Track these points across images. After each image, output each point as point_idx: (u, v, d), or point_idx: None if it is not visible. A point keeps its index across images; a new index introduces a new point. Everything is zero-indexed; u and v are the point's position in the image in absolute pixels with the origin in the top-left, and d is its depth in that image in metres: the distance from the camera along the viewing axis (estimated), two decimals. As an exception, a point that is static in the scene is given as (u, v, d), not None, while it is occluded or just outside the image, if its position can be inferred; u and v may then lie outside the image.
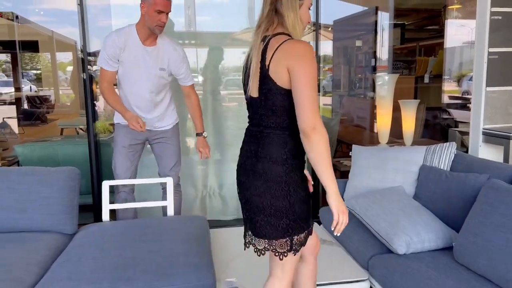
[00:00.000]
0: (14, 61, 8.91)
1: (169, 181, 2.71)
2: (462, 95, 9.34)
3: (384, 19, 6.12)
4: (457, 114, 5.29)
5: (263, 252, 1.61)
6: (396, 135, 4.03)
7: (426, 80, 5.21)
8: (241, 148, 1.67)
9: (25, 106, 8.33)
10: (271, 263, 1.69)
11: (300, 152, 1.56)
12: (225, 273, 2.24)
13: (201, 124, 2.85)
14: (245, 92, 1.66)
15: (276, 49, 1.47)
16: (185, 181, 3.56)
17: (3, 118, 7.15)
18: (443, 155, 2.76)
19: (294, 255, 1.60)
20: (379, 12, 5.63)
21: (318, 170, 1.45)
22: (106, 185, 2.63)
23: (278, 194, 1.51)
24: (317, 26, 3.69)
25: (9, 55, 10.12)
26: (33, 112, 7.66)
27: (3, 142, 6.10)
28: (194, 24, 3.62)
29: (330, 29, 6.20)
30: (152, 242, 2.21)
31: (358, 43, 6.32)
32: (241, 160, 1.65)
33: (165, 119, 2.82)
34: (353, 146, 3.10)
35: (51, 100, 9.08)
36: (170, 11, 2.55)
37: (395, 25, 6.24)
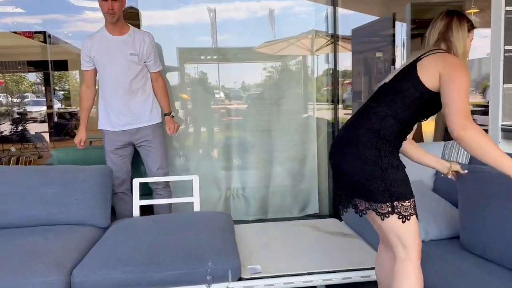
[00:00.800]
0: (46, 81, 9.33)
1: (195, 179, 2.85)
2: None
3: (402, 29, 6.21)
4: (480, 119, 5.27)
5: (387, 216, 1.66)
6: (417, 140, 4.07)
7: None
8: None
9: (55, 119, 8.70)
10: (391, 242, 1.74)
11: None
12: (249, 261, 2.34)
13: (168, 105, 3.04)
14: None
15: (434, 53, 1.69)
16: (210, 183, 3.71)
17: (35, 132, 7.49)
18: (461, 150, 2.81)
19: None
20: (397, 23, 5.72)
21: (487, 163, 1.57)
22: (136, 182, 2.80)
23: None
24: (334, 38, 3.82)
25: (39, 75, 10.60)
26: (65, 124, 7.98)
27: (40, 151, 6.45)
28: (215, 42, 3.81)
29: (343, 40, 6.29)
30: (180, 232, 2.34)
31: (378, 54, 6.41)
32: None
33: (142, 117, 2.94)
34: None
35: (79, 116, 9.43)
36: None
37: (416, 35, 6.32)
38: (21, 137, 6.98)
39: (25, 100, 11.03)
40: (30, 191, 2.52)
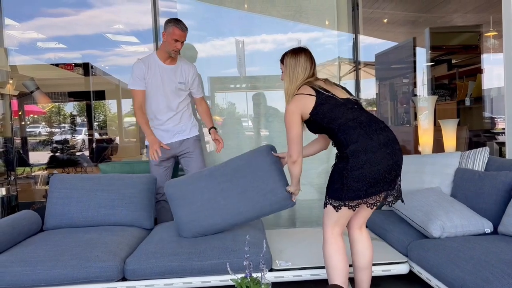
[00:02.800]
0: (88, 110, 9.98)
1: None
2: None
3: (422, 54, 6.46)
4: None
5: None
6: (439, 151, 4.25)
7: (467, 103, 5.43)
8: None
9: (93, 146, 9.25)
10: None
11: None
12: (279, 257, 2.58)
13: (212, 121, 3.38)
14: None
15: None
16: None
17: (77, 154, 8.02)
18: (477, 159, 3.01)
19: None
20: (417, 48, 5.99)
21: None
22: (176, 190, 3.10)
23: None
24: (356, 64, 4.07)
25: (76, 106, 11.29)
26: (104, 147, 8.48)
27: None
28: (244, 72, 4.15)
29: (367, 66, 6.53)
30: (217, 230, 2.62)
31: (403, 80, 6.66)
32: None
33: (185, 131, 3.31)
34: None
35: (116, 141, 9.94)
36: (185, 40, 3.12)
37: (442, 61, 6.56)
38: (72, 162, 7.53)
39: (62, 130, 11.68)
40: (86, 195, 2.87)
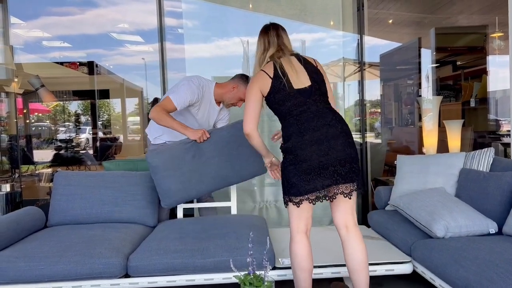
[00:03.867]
0: (93, 109, 10.00)
1: (233, 187, 3.14)
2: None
3: (427, 56, 6.44)
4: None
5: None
6: (443, 151, 4.23)
7: (472, 104, 5.41)
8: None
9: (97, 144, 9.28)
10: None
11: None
12: (282, 256, 2.58)
13: None
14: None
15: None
16: (246, 196, 3.99)
17: (81, 152, 8.05)
18: (482, 160, 2.99)
19: None
20: (422, 50, 5.97)
21: None
22: (180, 188, 3.10)
23: None
24: (361, 64, 4.06)
25: (80, 104, 11.33)
26: (109, 146, 8.50)
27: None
28: (247, 72, 4.14)
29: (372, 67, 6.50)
30: (220, 228, 2.62)
31: (407, 81, 6.65)
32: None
33: None
34: (398, 155, 3.39)
35: (120, 140, 9.98)
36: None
37: (447, 63, 6.53)
38: (76, 160, 7.56)
39: (66, 128, 11.73)
40: (89, 192, 2.88)
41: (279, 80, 2.12)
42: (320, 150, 2.02)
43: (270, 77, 2.14)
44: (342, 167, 2.03)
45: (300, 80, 2.15)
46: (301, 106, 2.11)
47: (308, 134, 2.05)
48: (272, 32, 2.25)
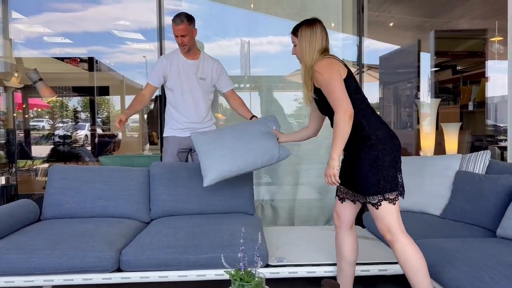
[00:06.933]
0: (92, 105, 9.98)
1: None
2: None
3: (427, 60, 6.44)
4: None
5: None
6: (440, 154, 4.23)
7: (471, 107, 5.42)
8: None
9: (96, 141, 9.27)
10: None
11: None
12: (276, 254, 2.57)
13: (250, 112, 3.31)
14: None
15: None
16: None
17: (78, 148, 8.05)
18: (478, 162, 2.98)
19: None
20: (422, 54, 5.97)
21: None
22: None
23: None
24: (360, 67, 4.05)
25: (80, 101, 11.31)
26: (107, 142, 8.49)
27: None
28: (248, 72, 4.15)
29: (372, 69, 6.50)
30: (214, 224, 2.62)
31: (407, 84, 6.64)
32: None
33: (206, 122, 3.32)
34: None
35: (118, 137, 9.95)
36: (183, 34, 3.05)
37: (447, 67, 6.53)
38: (73, 155, 7.55)
39: (66, 124, 11.71)
40: (84, 187, 2.87)
41: (349, 69, 2.09)
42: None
43: (343, 64, 2.07)
44: None
45: None
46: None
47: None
48: (322, 28, 2.15)
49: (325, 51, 2.12)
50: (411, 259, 1.99)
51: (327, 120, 2.27)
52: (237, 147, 2.58)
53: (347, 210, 2.23)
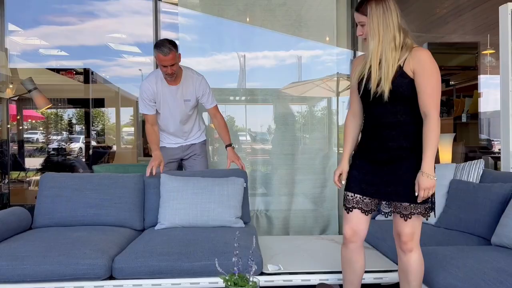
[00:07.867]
0: (87, 117, 9.96)
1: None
2: None
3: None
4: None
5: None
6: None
7: (464, 119, 5.48)
8: None
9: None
10: None
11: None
12: (271, 262, 2.55)
13: (229, 138, 3.27)
14: None
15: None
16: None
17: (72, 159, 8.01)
18: (471, 171, 3.00)
19: None
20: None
21: None
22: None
23: None
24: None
25: (75, 113, 11.29)
26: (102, 153, 8.46)
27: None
28: (244, 85, 4.17)
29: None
30: (208, 232, 2.60)
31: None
32: None
33: (195, 136, 3.37)
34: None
35: (113, 148, 9.91)
36: (173, 63, 2.91)
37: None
38: (67, 166, 7.52)
39: (60, 137, 11.67)
40: (75, 195, 2.85)
41: None
42: None
43: None
44: None
45: None
46: None
47: None
48: (394, 2, 1.87)
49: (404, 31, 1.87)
50: (422, 270, 2.02)
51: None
52: (194, 204, 2.78)
53: (363, 224, 2.08)
